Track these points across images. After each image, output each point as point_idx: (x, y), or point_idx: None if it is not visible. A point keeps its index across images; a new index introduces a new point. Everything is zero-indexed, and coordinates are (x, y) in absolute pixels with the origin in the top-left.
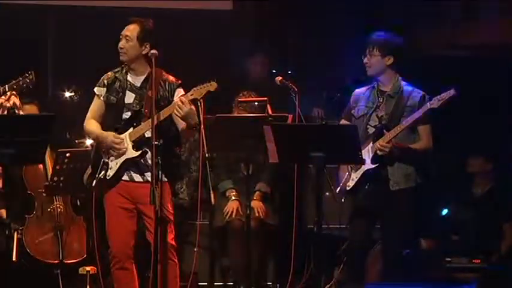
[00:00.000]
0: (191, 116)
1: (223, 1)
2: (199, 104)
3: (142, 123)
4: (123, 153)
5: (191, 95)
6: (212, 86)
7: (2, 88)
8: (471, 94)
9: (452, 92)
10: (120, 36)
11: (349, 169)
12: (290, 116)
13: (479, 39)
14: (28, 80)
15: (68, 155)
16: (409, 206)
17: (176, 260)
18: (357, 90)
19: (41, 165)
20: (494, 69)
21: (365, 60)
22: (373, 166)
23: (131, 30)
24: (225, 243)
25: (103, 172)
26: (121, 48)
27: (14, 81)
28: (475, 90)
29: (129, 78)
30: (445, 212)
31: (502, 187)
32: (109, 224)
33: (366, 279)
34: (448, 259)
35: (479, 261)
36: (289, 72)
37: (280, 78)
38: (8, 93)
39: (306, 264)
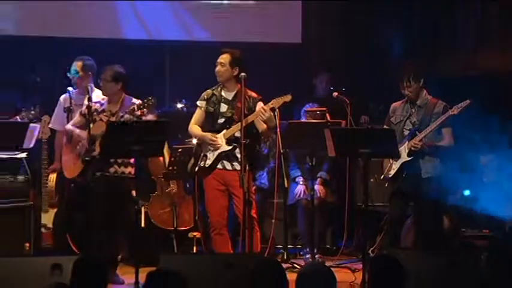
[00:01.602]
0: (271, 120)
1: (293, 36)
2: (276, 111)
3: (233, 126)
4: (218, 148)
5: (271, 104)
6: (287, 97)
7: (134, 106)
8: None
9: (468, 101)
10: (217, 63)
11: (391, 161)
12: (343, 122)
13: (488, 63)
14: (151, 103)
15: (179, 150)
16: (436, 189)
17: (258, 228)
18: (394, 104)
19: (161, 158)
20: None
21: (405, 92)
22: (409, 159)
23: (224, 58)
24: (295, 217)
25: (203, 162)
26: (218, 72)
27: (142, 103)
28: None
29: (222, 93)
30: (467, 192)
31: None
32: (208, 201)
33: (401, 244)
34: (464, 230)
35: (488, 231)
36: (343, 89)
37: (336, 93)
38: (138, 103)
39: (355, 232)
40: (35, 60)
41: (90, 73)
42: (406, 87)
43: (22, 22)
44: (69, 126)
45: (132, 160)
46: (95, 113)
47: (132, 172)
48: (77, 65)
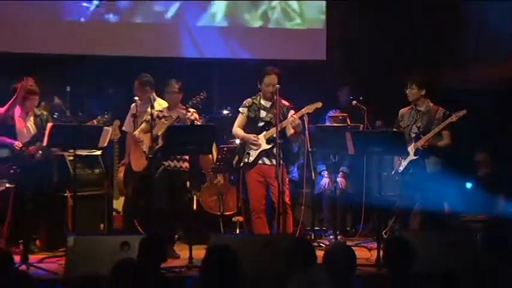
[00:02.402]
0: (299, 127)
1: (319, 54)
2: (305, 118)
3: (271, 129)
4: (259, 146)
5: (306, 109)
6: (319, 104)
7: (187, 106)
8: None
9: (464, 111)
10: (268, 83)
11: (400, 159)
12: (361, 125)
13: (485, 76)
14: (202, 97)
15: (225, 149)
16: (438, 182)
17: (291, 213)
18: (402, 110)
19: (210, 155)
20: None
21: (407, 91)
22: (415, 158)
23: (273, 78)
24: (320, 204)
25: (246, 159)
26: (270, 91)
27: (193, 99)
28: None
29: (262, 102)
30: (469, 185)
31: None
32: (249, 190)
33: (409, 227)
34: (462, 215)
35: (483, 216)
36: (361, 98)
37: (355, 102)
38: (191, 111)
39: (371, 217)
40: (109, 75)
41: (147, 87)
42: (409, 88)
43: (105, 45)
44: (135, 132)
45: (186, 157)
46: (157, 119)
47: (187, 166)
48: (136, 83)
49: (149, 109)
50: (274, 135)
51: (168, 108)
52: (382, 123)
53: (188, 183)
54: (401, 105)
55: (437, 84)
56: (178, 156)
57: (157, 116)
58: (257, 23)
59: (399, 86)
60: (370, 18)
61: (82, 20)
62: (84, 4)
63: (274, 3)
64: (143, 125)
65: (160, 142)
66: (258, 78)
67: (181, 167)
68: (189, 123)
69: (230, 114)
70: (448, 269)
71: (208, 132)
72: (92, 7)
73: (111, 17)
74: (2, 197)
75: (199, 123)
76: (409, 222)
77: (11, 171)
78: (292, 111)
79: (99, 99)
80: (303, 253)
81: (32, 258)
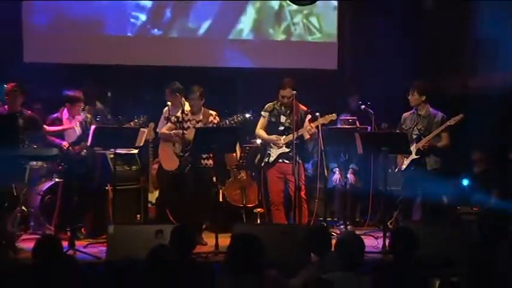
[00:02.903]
0: (314, 134)
1: (331, 64)
2: (319, 126)
3: (290, 135)
4: (280, 148)
5: (321, 120)
6: (333, 116)
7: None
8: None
9: (462, 115)
10: (284, 96)
11: (403, 157)
12: (369, 127)
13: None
14: (239, 118)
15: (247, 148)
16: (439, 177)
17: (306, 206)
18: (404, 114)
19: (234, 154)
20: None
21: (410, 97)
22: (417, 156)
23: (288, 92)
24: (332, 197)
25: (267, 158)
26: (286, 102)
27: (230, 119)
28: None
29: (282, 107)
30: (465, 181)
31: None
32: (270, 185)
33: (412, 218)
34: (458, 207)
35: (477, 208)
36: (368, 103)
37: (364, 106)
38: (213, 114)
39: (377, 209)
40: (146, 83)
41: (177, 94)
42: (411, 94)
43: (147, 57)
44: (162, 130)
45: (212, 155)
46: (182, 121)
47: (211, 164)
48: (167, 90)
49: (178, 113)
50: (294, 140)
51: (192, 112)
52: (387, 125)
53: (214, 179)
54: (403, 110)
55: (438, 90)
56: (204, 155)
57: (183, 119)
58: (280, 37)
59: (401, 92)
60: (376, 32)
61: (129, 34)
62: (132, 20)
63: (296, 19)
64: (168, 125)
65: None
66: (277, 86)
67: (206, 164)
68: (210, 125)
69: (252, 118)
70: (447, 255)
71: (233, 133)
72: (139, 23)
73: (155, 32)
74: (52, 190)
75: (225, 126)
76: (412, 213)
77: (60, 167)
78: (309, 116)
79: (136, 104)
80: (320, 240)
81: (78, 244)
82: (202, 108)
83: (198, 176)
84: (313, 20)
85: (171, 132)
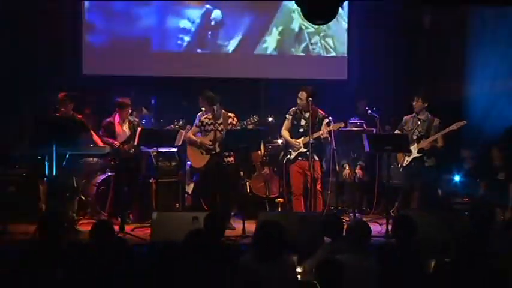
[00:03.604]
0: (326, 138)
1: (341, 74)
2: (331, 132)
3: (308, 136)
4: (299, 148)
5: (332, 127)
6: (341, 124)
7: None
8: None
9: (464, 122)
10: (298, 98)
11: (404, 155)
12: (374, 129)
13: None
14: (255, 120)
15: (270, 147)
16: (434, 172)
17: (321, 197)
18: (406, 117)
19: (258, 152)
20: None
21: (414, 103)
22: (418, 155)
23: (302, 94)
24: (342, 189)
25: (288, 155)
26: (299, 103)
27: (248, 120)
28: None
29: (302, 112)
30: (457, 177)
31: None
32: (291, 178)
33: (410, 207)
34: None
35: (467, 199)
36: (374, 108)
37: (369, 111)
38: (232, 116)
39: (381, 200)
40: (184, 92)
41: (208, 100)
42: (415, 101)
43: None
44: (188, 134)
45: (233, 154)
46: (206, 125)
47: (232, 161)
48: (200, 97)
49: (202, 118)
50: (310, 141)
51: (213, 117)
52: (391, 127)
53: (242, 173)
54: (404, 113)
55: (438, 96)
56: (227, 153)
57: (206, 123)
58: (300, 55)
59: (402, 97)
60: (379, 48)
61: (171, 50)
62: (174, 40)
63: (314, 40)
64: (194, 128)
65: (216, 147)
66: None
67: (228, 161)
68: (230, 126)
69: (274, 121)
70: (442, 239)
71: (257, 134)
72: (185, 43)
73: (194, 49)
74: (105, 183)
75: (250, 128)
76: (411, 203)
77: (112, 163)
78: (326, 120)
79: (175, 109)
80: (333, 226)
81: (127, 228)
82: (222, 113)
83: (224, 172)
84: (329, 40)
85: (198, 140)
